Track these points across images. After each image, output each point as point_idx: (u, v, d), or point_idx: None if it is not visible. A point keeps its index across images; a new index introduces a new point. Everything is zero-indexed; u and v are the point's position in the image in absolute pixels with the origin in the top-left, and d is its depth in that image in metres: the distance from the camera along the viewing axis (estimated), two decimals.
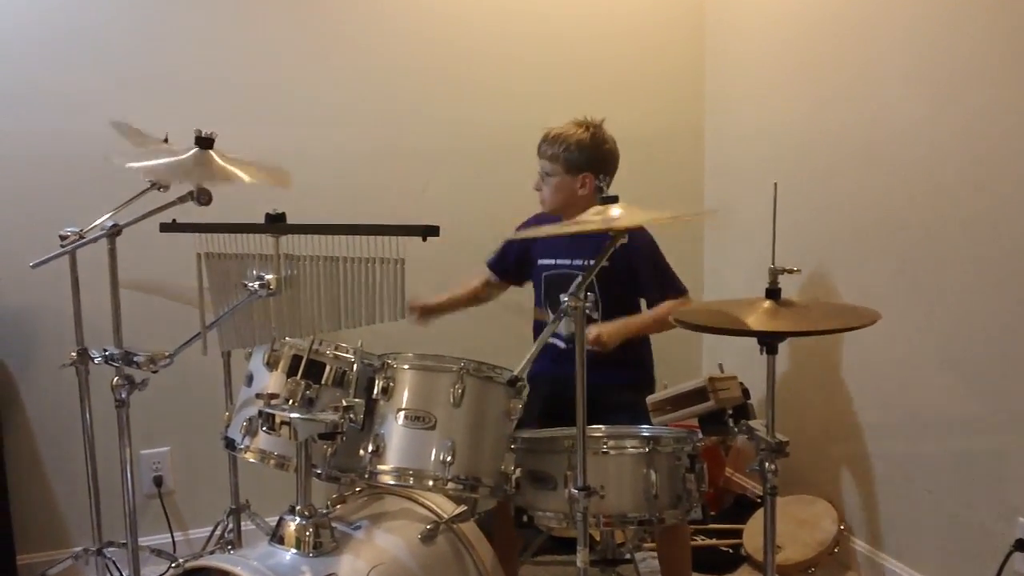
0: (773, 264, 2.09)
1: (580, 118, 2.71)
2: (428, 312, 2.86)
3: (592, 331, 2.46)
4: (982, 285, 2.48)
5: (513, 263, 2.91)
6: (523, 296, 2.94)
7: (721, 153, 3.65)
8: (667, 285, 2.73)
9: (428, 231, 1.83)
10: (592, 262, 2.68)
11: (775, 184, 2.15)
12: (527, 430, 2.21)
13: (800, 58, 3.14)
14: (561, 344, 2.68)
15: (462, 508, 2.16)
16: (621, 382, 2.66)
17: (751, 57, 3.42)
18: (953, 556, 2.63)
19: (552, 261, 2.78)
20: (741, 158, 3.51)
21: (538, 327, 2.85)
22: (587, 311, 1.82)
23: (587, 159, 2.66)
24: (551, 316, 2.74)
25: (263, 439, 2.15)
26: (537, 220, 2.79)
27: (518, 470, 2.06)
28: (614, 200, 1.92)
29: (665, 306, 2.68)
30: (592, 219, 1.90)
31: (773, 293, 2.07)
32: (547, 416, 2.46)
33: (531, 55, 3.42)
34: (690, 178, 3.70)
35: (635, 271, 2.68)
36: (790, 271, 2.10)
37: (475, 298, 2.98)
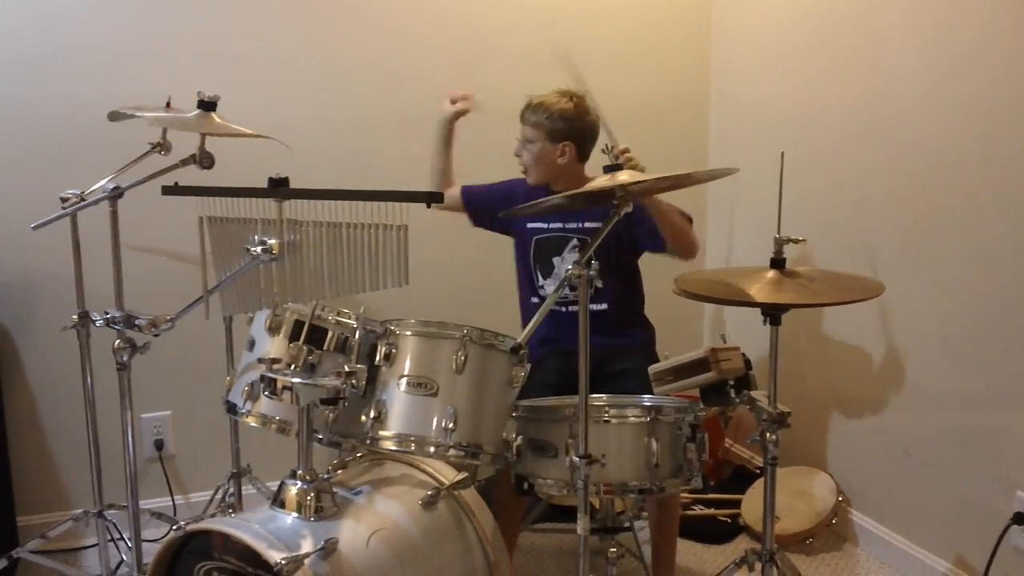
0: (779, 234, 2.08)
1: (563, 88, 2.71)
2: (456, 117, 2.87)
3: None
4: (985, 260, 2.47)
5: (497, 217, 2.80)
6: None
7: (726, 121, 3.63)
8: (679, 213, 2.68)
9: (432, 197, 1.82)
10: (585, 224, 2.70)
11: (782, 153, 2.14)
12: (529, 398, 2.21)
13: (807, 28, 3.11)
14: (563, 309, 2.68)
15: (463, 475, 2.16)
16: (626, 344, 2.70)
17: (758, 26, 3.39)
18: (951, 529, 2.64)
19: (544, 224, 2.76)
20: (746, 127, 3.49)
21: (523, 296, 2.84)
22: (591, 279, 1.80)
23: (569, 128, 2.66)
24: (540, 279, 2.76)
25: (265, 404, 2.15)
26: (524, 183, 2.77)
27: (519, 438, 2.07)
28: (619, 168, 1.91)
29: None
30: (602, 183, 1.88)
31: (778, 263, 2.07)
32: (558, 386, 2.47)
33: (537, 21, 3.39)
34: (695, 146, 3.69)
35: (634, 236, 2.67)
36: (795, 241, 2.09)
37: (448, 179, 2.92)
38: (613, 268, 2.67)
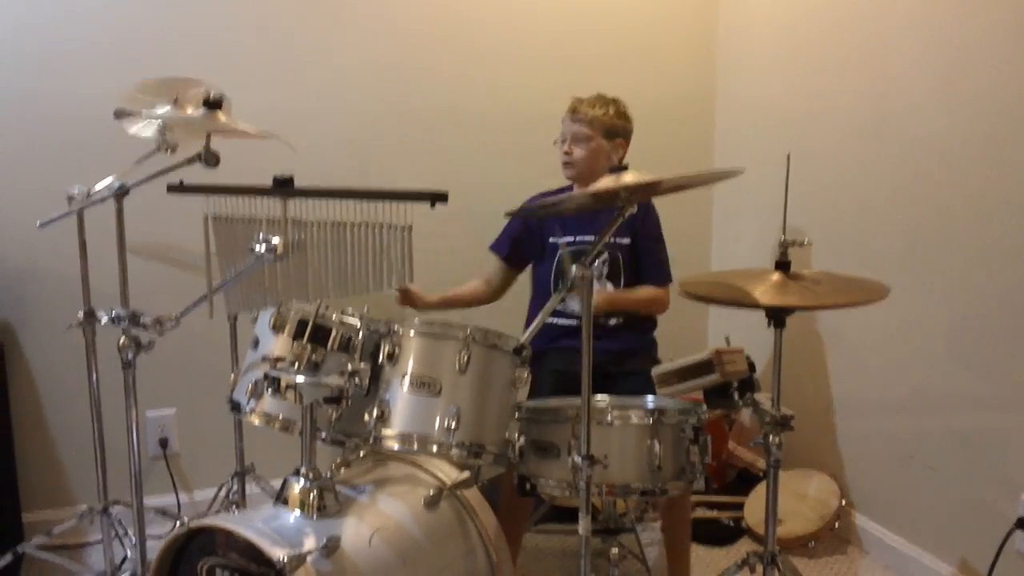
0: (784, 236, 2.08)
1: (603, 93, 2.74)
2: (409, 300, 2.76)
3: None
4: (990, 262, 2.46)
5: (525, 241, 2.86)
6: None
7: (732, 121, 3.63)
8: (660, 271, 2.75)
9: (437, 197, 1.82)
10: (617, 239, 2.69)
11: (788, 155, 2.14)
12: (532, 400, 2.22)
13: (813, 28, 3.10)
14: (572, 322, 2.68)
15: (466, 474, 2.17)
16: (627, 348, 2.69)
17: (764, 25, 3.38)
18: (955, 533, 2.64)
19: (571, 238, 2.75)
20: (752, 127, 3.49)
21: (535, 307, 2.84)
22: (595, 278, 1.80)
23: (623, 127, 2.71)
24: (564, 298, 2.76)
25: (268, 402, 2.15)
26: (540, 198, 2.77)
27: (522, 438, 2.07)
28: (624, 169, 1.91)
29: (653, 291, 2.72)
30: (607, 184, 1.88)
31: (783, 265, 2.06)
32: (558, 392, 2.47)
33: (542, 19, 3.39)
34: (700, 146, 3.68)
35: (636, 246, 2.68)
36: (800, 243, 2.09)
37: (476, 297, 2.94)
38: (631, 285, 2.72)
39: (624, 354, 2.66)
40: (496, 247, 2.93)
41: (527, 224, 2.84)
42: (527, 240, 2.85)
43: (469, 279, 2.96)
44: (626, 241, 2.74)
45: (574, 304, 2.68)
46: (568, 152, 2.70)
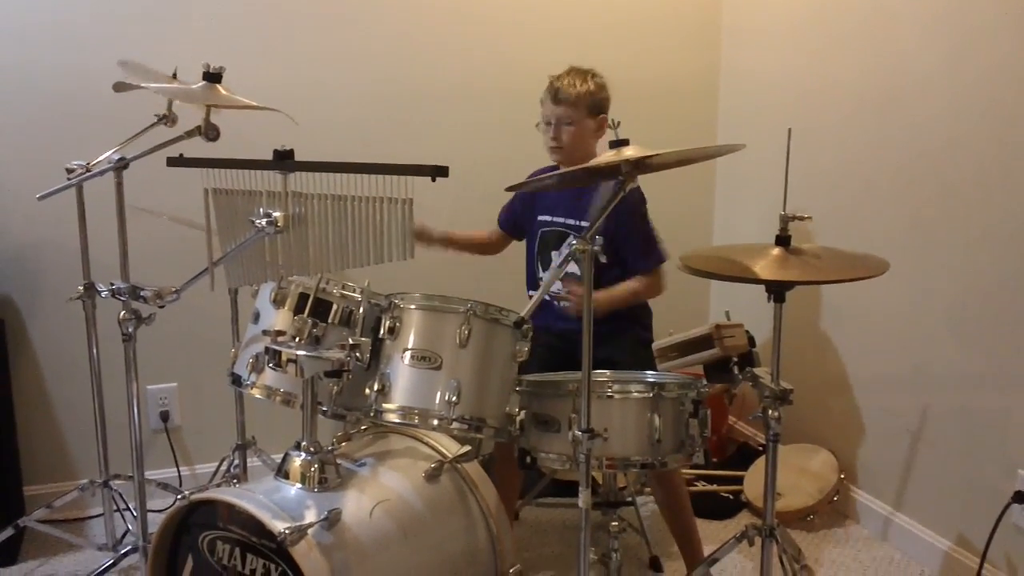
0: (784, 211, 2.07)
1: (576, 66, 2.68)
2: (422, 236, 2.77)
3: (577, 290, 2.46)
4: (993, 240, 2.46)
5: (520, 215, 2.86)
6: None
7: (735, 96, 3.61)
8: (648, 256, 2.65)
9: (438, 171, 1.81)
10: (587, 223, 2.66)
11: (789, 130, 2.13)
12: (532, 374, 2.22)
13: (817, 4, 3.08)
14: (555, 303, 2.66)
15: (466, 448, 2.18)
16: (611, 330, 2.65)
17: (768, 2, 3.36)
18: (952, 507, 2.65)
19: (549, 217, 2.74)
20: (755, 102, 3.47)
21: (532, 282, 2.84)
22: (596, 254, 1.79)
23: (602, 101, 2.66)
24: (540, 271, 2.75)
25: (269, 376, 2.16)
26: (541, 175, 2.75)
27: (522, 412, 2.08)
28: (625, 143, 1.90)
29: (641, 281, 2.63)
30: (608, 158, 1.87)
31: (783, 240, 2.06)
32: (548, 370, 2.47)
33: None
34: (704, 121, 3.66)
35: (614, 231, 2.58)
36: (801, 218, 2.08)
37: (478, 244, 2.96)
38: (601, 267, 2.66)
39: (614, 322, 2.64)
40: (500, 217, 2.94)
41: (523, 198, 2.84)
42: (522, 214, 2.85)
43: (468, 255, 2.95)
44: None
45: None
46: (556, 137, 2.64)
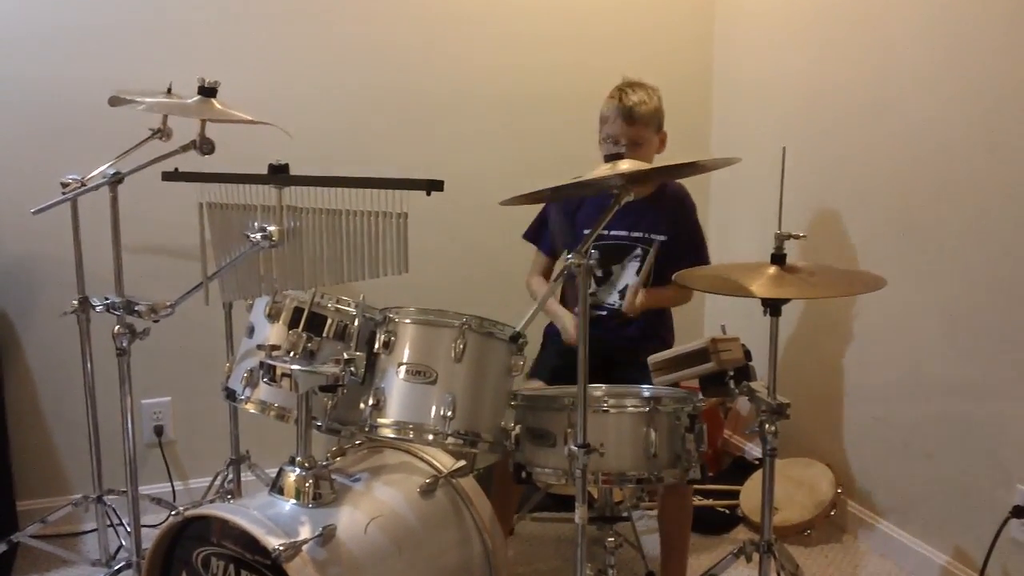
0: (779, 229, 2.08)
1: (629, 77, 2.66)
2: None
3: (637, 296, 2.52)
4: (987, 251, 2.46)
5: (557, 231, 2.78)
6: None
7: (729, 105, 3.62)
8: (701, 258, 2.71)
9: (432, 185, 1.81)
10: (651, 235, 2.66)
11: (783, 148, 2.13)
12: (527, 388, 2.22)
13: (810, 12, 3.09)
14: (601, 312, 2.66)
15: (461, 463, 2.17)
16: (642, 340, 2.66)
17: (761, 5, 3.37)
18: (950, 521, 2.64)
19: (606, 231, 2.64)
20: (748, 111, 3.48)
21: (566, 293, 2.80)
22: (591, 268, 1.79)
23: (663, 115, 2.65)
24: (592, 285, 2.70)
25: (264, 390, 2.15)
26: (567, 199, 2.72)
27: (518, 426, 2.07)
28: (619, 157, 1.90)
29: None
30: (603, 172, 1.87)
31: (778, 258, 2.06)
32: (562, 377, 2.46)
33: (536, 1, 3.37)
34: (697, 129, 3.66)
35: (676, 233, 2.63)
36: (796, 237, 2.08)
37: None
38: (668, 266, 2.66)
39: (639, 341, 2.65)
40: (537, 240, 2.85)
41: (553, 214, 2.76)
42: (560, 230, 2.77)
43: (465, 268, 2.93)
44: (662, 238, 2.67)
45: (607, 296, 2.67)
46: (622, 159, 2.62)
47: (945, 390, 2.63)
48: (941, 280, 2.61)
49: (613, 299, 2.67)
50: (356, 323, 2.08)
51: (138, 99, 2.24)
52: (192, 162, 2.23)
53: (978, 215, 2.48)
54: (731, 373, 2.09)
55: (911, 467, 2.77)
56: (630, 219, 2.66)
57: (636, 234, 2.68)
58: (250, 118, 2.25)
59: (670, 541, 2.53)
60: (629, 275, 2.67)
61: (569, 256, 1.79)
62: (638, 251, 2.68)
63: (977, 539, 2.50)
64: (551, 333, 2.74)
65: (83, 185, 2.32)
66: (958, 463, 2.60)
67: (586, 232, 2.65)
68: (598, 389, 2.27)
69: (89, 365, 2.58)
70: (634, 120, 2.57)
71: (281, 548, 1.71)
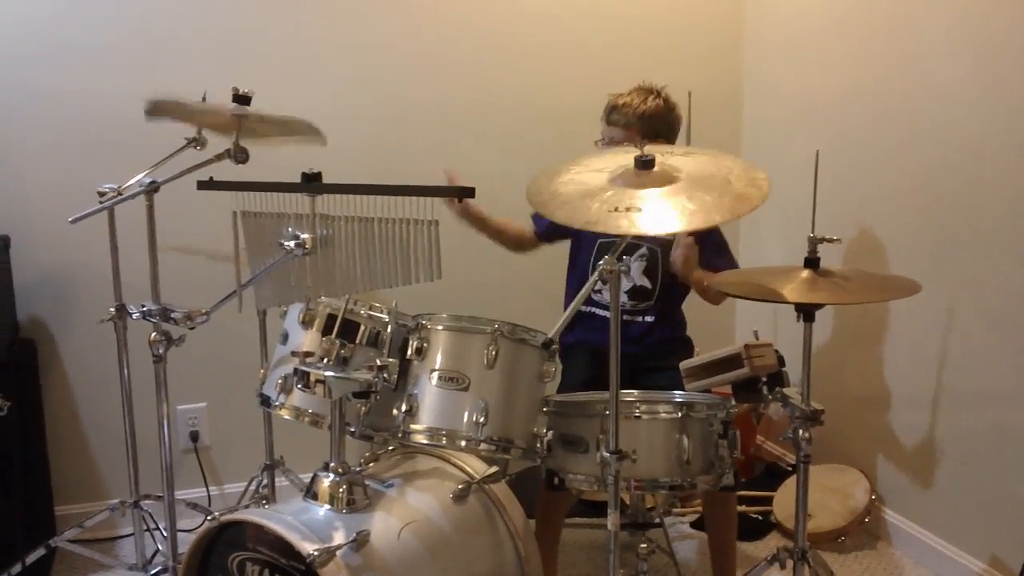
0: (813, 233, 2.06)
1: (644, 84, 2.66)
2: (467, 212, 2.72)
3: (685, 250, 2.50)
4: (1023, 256, 2.44)
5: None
6: None
7: (760, 115, 3.60)
8: (724, 256, 2.68)
9: (464, 192, 1.82)
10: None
11: (817, 152, 2.12)
12: (560, 394, 2.22)
13: (840, 16, 3.08)
14: (603, 312, 2.66)
15: (494, 469, 2.17)
16: (661, 348, 2.66)
17: (791, 17, 3.35)
18: (987, 530, 2.61)
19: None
20: (780, 120, 3.46)
21: (571, 294, 2.82)
22: (622, 273, 1.80)
23: (661, 126, 2.63)
24: (598, 283, 2.72)
25: (298, 396, 2.17)
26: None
27: (550, 432, 2.07)
28: (651, 165, 1.89)
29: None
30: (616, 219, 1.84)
31: (812, 262, 2.05)
32: (590, 386, 2.45)
33: (564, 8, 3.38)
34: (728, 135, 3.65)
35: (704, 234, 2.62)
36: (830, 240, 2.07)
37: (511, 237, 2.89)
38: (666, 284, 2.67)
39: (656, 349, 2.64)
40: (536, 219, 2.86)
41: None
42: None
43: (497, 274, 2.93)
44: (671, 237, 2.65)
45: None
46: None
47: (981, 397, 2.60)
48: (976, 285, 2.58)
49: (602, 294, 2.65)
50: (389, 329, 2.09)
51: (176, 119, 2.26)
52: (226, 171, 2.26)
53: (1014, 219, 2.45)
54: (764, 379, 2.08)
55: (947, 474, 2.74)
56: None
57: None
58: (291, 115, 2.26)
59: (716, 546, 2.53)
60: (635, 275, 2.67)
61: (600, 263, 1.79)
62: (643, 250, 2.68)
63: (1014, 546, 2.47)
64: (569, 344, 2.70)
65: (119, 194, 2.35)
66: (995, 470, 2.57)
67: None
68: (630, 395, 2.27)
69: (126, 372, 2.62)
70: (611, 121, 2.62)
71: (316, 553, 1.72)
